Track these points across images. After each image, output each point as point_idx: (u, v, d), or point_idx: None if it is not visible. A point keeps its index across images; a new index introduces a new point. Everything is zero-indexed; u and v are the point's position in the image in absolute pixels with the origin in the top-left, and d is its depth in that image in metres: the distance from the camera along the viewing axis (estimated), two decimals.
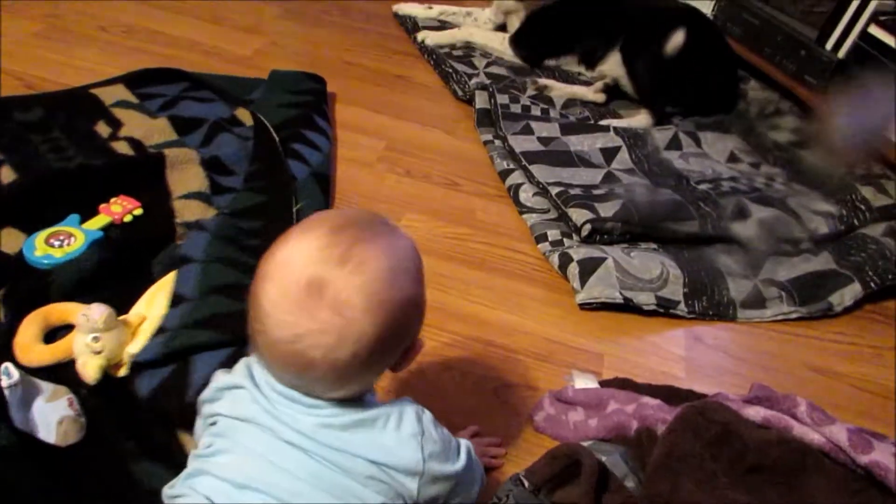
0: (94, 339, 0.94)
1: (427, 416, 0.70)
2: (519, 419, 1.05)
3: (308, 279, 0.61)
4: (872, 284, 1.39)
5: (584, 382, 1.06)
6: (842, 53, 1.85)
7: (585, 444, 0.92)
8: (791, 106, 2.02)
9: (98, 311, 0.95)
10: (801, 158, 1.78)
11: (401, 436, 0.67)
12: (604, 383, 1.08)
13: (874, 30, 1.76)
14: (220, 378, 0.73)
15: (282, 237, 0.65)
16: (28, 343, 0.98)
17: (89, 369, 0.94)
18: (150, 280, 1.12)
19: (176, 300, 1.04)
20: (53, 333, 1.01)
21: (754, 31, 2.10)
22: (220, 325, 0.99)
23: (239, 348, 0.96)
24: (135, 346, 0.98)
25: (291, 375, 0.64)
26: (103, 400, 0.94)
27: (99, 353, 0.94)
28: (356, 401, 0.67)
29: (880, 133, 1.70)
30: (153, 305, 1.06)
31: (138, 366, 0.95)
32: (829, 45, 1.88)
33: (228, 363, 0.91)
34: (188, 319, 1.00)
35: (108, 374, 0.96)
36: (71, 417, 0.88)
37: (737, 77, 2.02)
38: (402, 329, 0.66)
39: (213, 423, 0.70)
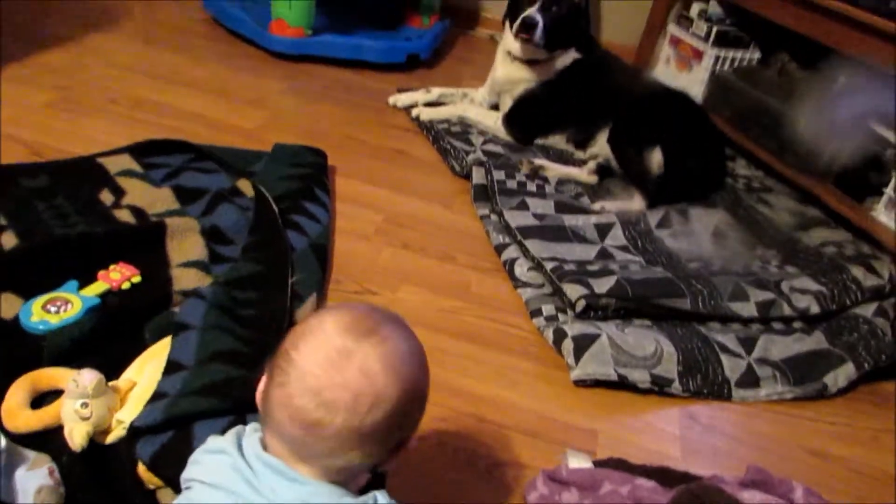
0: (82, 405, 0.93)
1: None
2: (512, 498, 1.03)
3: (341, 343, 0.67)
4: (866, 365, 1.39)
5: (578, 462, 1.05)
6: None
7: None
8: (776, 182, 2.07)
9: (88, 378, 0.94)
10: (796, 240, 1.81)
11: None
12: (598, 463, 1.07)
13: None
14: (209, 441, 0.75)
15: (316, 313, 0.74)
16: (15, 409, 0.97)
17: (76, 436, 0.92)
18: (142, 346, 1.12)
19: (172, 366, 1.04)
20: (41, 399, 1.01)
21: (743, 113, 2.17)
22: (220, 393, 0.99)
23: (238, 416, 0.96)
24: (124, 413, 0.97)
25: (296, 430, 0.66)
26: (86, 467, 0.93)
27: (87, 419, 0.94)
28: (340, 485, 0.69)
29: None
30: (143, 372, 1.05)
31: (137, 431, 0.94)
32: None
33: (228, 430, 0.91)
34: (189, 386, 1.00)
35: (94, 441, 0.95)
36: (50, 487, 0.87)
37: (724, 156, 2.08)
38: (407, 413, 0.70)
39: (188, 488, 0.72)
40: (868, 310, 1.53)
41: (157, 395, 0.99)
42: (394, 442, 0.71)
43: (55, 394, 1.01)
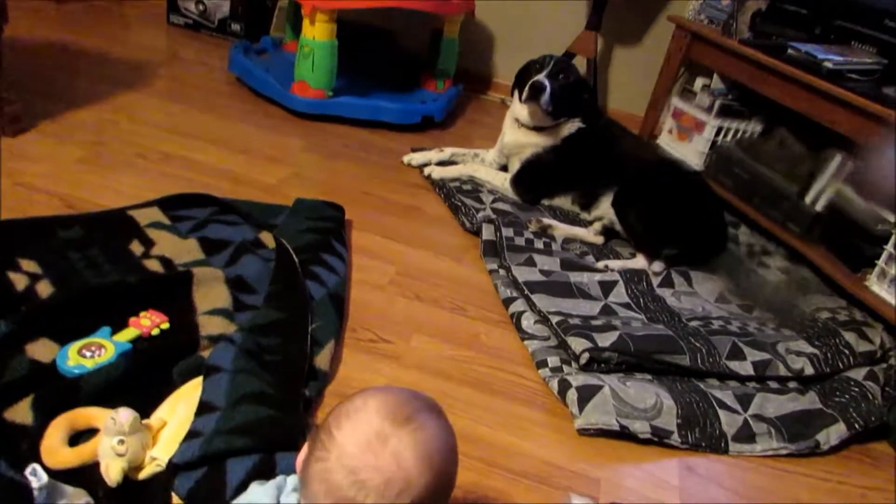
0: (119, 441, 0.99)
1: None
2: None
3: (380, 427, 0.72)
4: (856, 426, 1.45)
5: None
6: (819, 207, 2.00)
7: None
8: (777, 247, 2.15)
9: (125, 416, 1.01)
10: (793, 305, 1.88)
11: None
12: None
13: (847, 190, 1.92)
14: (251, 491, 0.81)
15: (361, 392, 0.78)
16: (54, 446, 1.03)
17: (112, 472, 0.98)
18: (171, 387, 1.19)
19: (205, 407, 1.11)
20: (77, 437, 1.07)
21: (743, 184, 2.26)
22: (252, 432, 1.06)
23: (268, 454, 1.03)
24: (157, 451, 1.03)
25: None
26: (121, 502, 0.98)
27: (122, 455, 0.99)
28: None
29: None
30: (174, 411, 1.12)
31: (176, 467, 1.00)
32: (808, 199, 2.04)
33: (260, 467, 0.98)
34: (223, 426, 1.06)
35: (128, 477, 1.01)
36: None
37: (724, 222, 2.17)
38: (435, 497, 0.74)
39: None
40: (860, 374, 1.59)
41: (191, 434, 1.05)
42: None
43: (91, 432, 1.07)
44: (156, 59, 2.84)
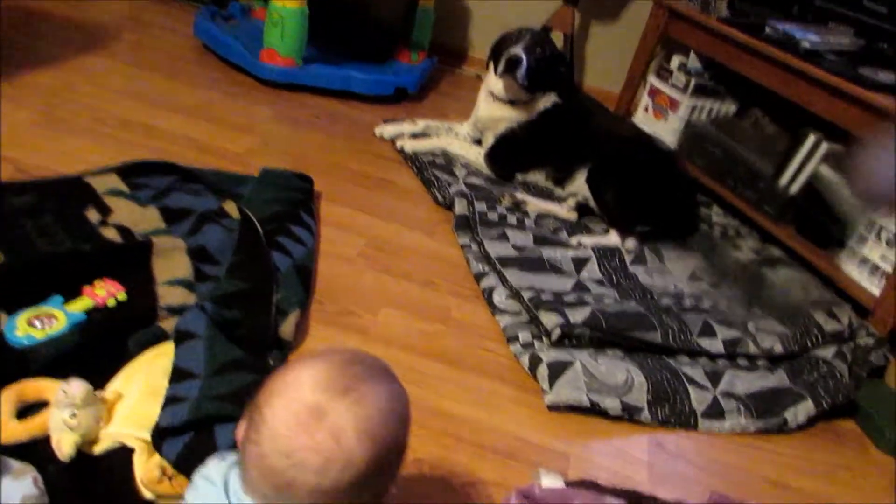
0: (71, 415, 0.95)
1: None
2: None
3: (314, 402, 0.66)
4: (824, 403, 1.45)
5: (550, 481, 1.08)
6: (795, 188, 2.00)
7: None
8: (750, 230, 2.15)
9: (77, 387, 0.96)
10: (762, 279, 1.88)
11: None
12: (569, 484, 1.10)
13: (825, 170, 1.91)
14: (209, 465, 0.76)
15: (293, 362, 0.71)
16: (1, 419, 0.98)
17: (65, 445, 0.94)
18: (126, 358, 1.14)
19: (181, 374, 1.08)
20: (26, 410, 1.02)
21: (717, 163, 2.25)
22: (236, 400, 1.03)
23: None
24: (116, 426, 0.99)
25: (269, 492, 0.66)
26: (74, 477, 0.94)
27: (75, 429, 0.95)
28: None
29: None
30: (131, 384, 1.07)
31: (163, 431, 0.97)
32: (783, 180, 2.03)
33: None
34: (209, 392, 1.04)
35: (81, 451, 0.96)
36: (34, 496, 0.88)
37: (696, 200, 2.16)
38: (381, 468, 0.69)
39: None
40: (828, 352, 1.60)
41: (172, 399, 1.02)
42: (370, 495, 0.70)
43: (41, 405, 1.02)
44: (118, 22, 2.72)
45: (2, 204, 1.46)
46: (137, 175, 1.68)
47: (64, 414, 0.95)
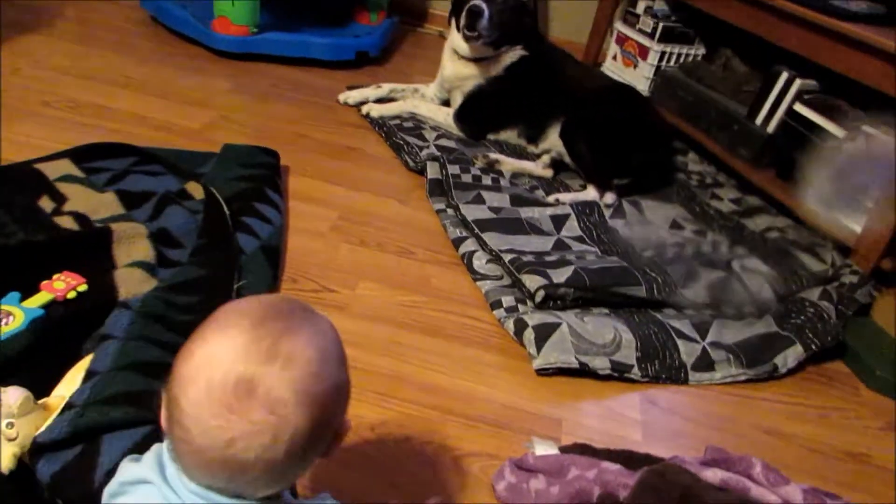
0: (8, 424, 0.87)
1: None
2: (481, 488, 1.03)
3: (236, 379, 0.58)
4: (813, 346, 1.44)
5: (544, 449, 1.05)
6: (770, 128, 1.97)
7: None
8: (727, 178, 2.13)
9: (14, 396, 0.88)
10: (743, 226, 1.86)
11: None
12: (563, 449, 1.08)
13: (799, 107, 1.88)
14: (127, 469, 0.67)
15: (198, 336, 0.61)
16: None
17: (3, 458, 0.86)
18: (76, 359, 1.06)
19: (88, 376, 0.99)
20: None
21: (690, 108, 2.22)
22: (134, 402, 0.93)
23: (155, 428, 0.90)
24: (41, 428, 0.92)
25: (220, 480, 0.60)
26: (15, 489, 0.88)
27: (13, 439, 0.87)
28: (277, 498, 0.65)
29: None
30: (73, 386, 1.00)
31: (41, 447, 0.87)
32: (758, 121, 2.00)
33: (143, 444, 0.85)
34: (98, 395, 0.94)
35: (22, 462, 0.89)
36: None
37: (672, 147, 2.12)
38: (331, 416, 0.64)
39: None
40: (814, 294, 1.58)
41: (67, 407, 0.93)
42: (329, 439, 0.66)
43: None
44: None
45: None
46: (92, 159, 1.60)
47: (1, 424, 0.87)
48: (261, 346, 0.59)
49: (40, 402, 0.93)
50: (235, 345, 0.59)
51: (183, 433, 0.59)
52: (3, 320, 1.09)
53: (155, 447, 0.66)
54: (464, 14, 1.96)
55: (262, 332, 0.60)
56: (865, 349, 1.49)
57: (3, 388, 0.90)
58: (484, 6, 1.93)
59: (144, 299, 1.18)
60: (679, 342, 1.39)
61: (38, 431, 0.90)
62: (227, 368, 0.58)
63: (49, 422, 0.92)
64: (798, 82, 1.91)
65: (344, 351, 0.67)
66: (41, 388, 0.95)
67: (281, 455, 0.59)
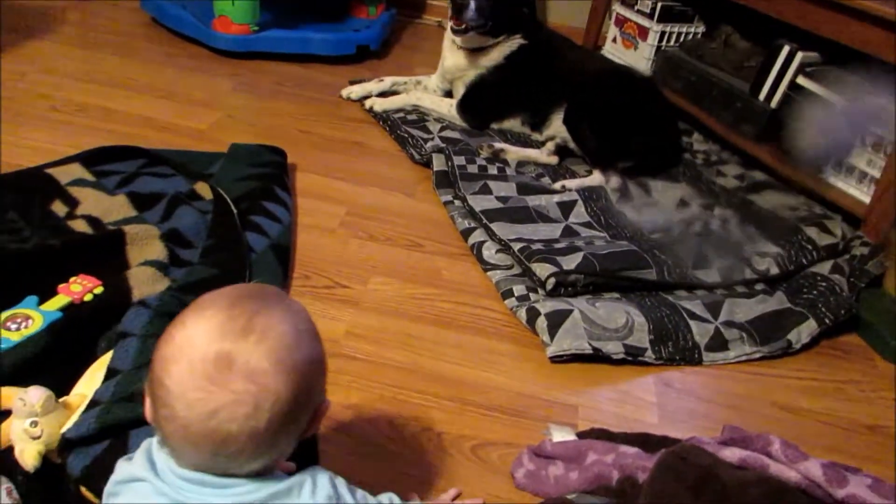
0: (32, 423, 0.90)
1: (340, 480, 0.72)
2: (499, 477, 1.04)
3: (216, 354, 0.61)
4: (826, 320, 1.44)
5: (561, 435, 1.06)
6: (774, 103, 1.96)
7: (570, 496, 0.92)
8: (731, 154, 2.12)
9: (36, 395, 0.90)
10: (750, 202, 1.85)
11: (316, 500, 0.67)
12: (581, 435, 1.08)
13: (802, 80, 1.87)
14: (121, 469, 0.70)
15: (177, 320, 0.65)
16: None
17: (28, 456, 0.89)
18: (93, 358, 1.09)
19: (110, 374, 1.01)
20: None
21: (692, 86, 2.21)
22: None
23: None
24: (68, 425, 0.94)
25: (206, 455, 0.63)
26: (43, 486, 0.90)
27: (37, 438, 0.90)
28: (267, 474, 0.67)
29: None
30: (93, 384, 1.02)
31: (69, 443, 0.90)
32: (761, 97, 1.99)
33: None
34: (123, 392, 0.96)
35: (47, 460, 0.92)
36: None
37: (677, 127, 2.12)
38: (310, 387, 0.67)
39: None
40: (825, 268, 1.58)
41: (91, 404, 0.95)
42: (309, 414, 0.68)
43: (2, 414, 0.96)
44: (60, 3, 2.59)
45: None
46: (102, 162, 1.62)
47: (25, 423, 0.89)
48: (237, 324, 0.63)
49: (61, 400, 0.95)
50: (212, 324, 0.63)
51: (168, 411, 0.62)
52: (23, 324, 1.11)
53: (144, 444, 0.69)
54: (451, 5, 1.97)
55: (236, 312, 0.64)
56: (880, 320, 1.48)
57: (24, 389, 0.92)
58: None
59: (161, 297, 1.19)
60: (691, 323, 1.39)
61: (66, 428, 0.92)
62: (207, 344, 0.62)
63: (74, 418, 0.94)
64: (800, 55, 1.89)
65: (316, 330, 0.70)
66: (60, 387, 0.97)
67: (263, 424, 0.62)
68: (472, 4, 1.94)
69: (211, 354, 0.61)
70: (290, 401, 0.63)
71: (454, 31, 2.02)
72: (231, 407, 0.61)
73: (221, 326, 0.63)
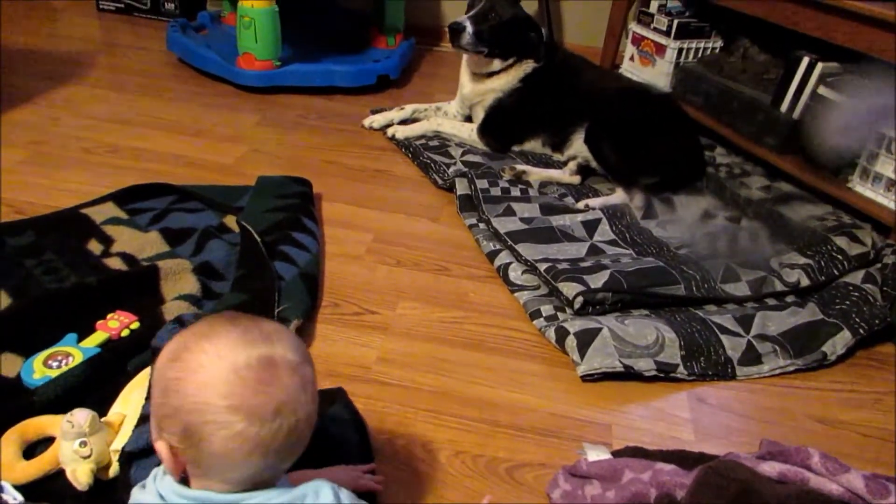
0: (81, 444, 0.94)
1: (344, 492, 0.74)
2: (536, 498, 1.04)
3: (258, 358, 0.65)
4: (861, 330, 1.42)
5: (596, 454, 1.06)
6: (796, 114, 1.95)
7: None
8: (755, 166, 2.11)
9: (83, 416, 0.94)
10: (778, 213, 1.84)
11: None
12: (616, 453, 1.08)
13: (823, 90, 1.87)
14: (135, 497, 0.73)
15: (187, 356, 0.66)
16: (9, 461, 0.96)
17: (81, 475, 0.93)
18: (126, 380, 1.11)
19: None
20: (31, 450, 1.00)
21: (712, 100, 2.21)
22: None
23: None
24: (118, 442, 0.97)
25: (259, 461, 0.66)
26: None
27: (87, 457, 0.94)
28: (271, 486, 0.70)
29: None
30: (129, 401, 1.05)
31: (130, 456, 0.94)
32: (783, 108, 1.99)
33: None
34: None
35: (98, 478, 0.95)
36: None
37: (699, 143, 2.11)
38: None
39: None
40: (857, 277, 1.56)
41: (143, 419, 0.98)
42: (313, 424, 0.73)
43: (46, 442, 1.00)
44: (90, 48, 2.69)
45: (2, 246, 1.43)
46: (134, 200, 1.67)
47: (74, 444, 0.93)
48: (253, 334, 0.67)
49: (102, 420, 0.99)
50: (232, 339, 0.66)
51: (228, 431, 0.63)
52: (63, 361, 1.14)
53: (153, 473, 0.73)
54: (448, 32, 2.03)
55: (243, 326, 0.68)
56: None
57: (70, 412, 0.95)
58: (466, 24, 2.00)
59: (197, 315, 1.22)
60: (723, 337, 1.38)
61: (121, 443, 0.96)
62: (244, 353, 0.65)
63: (128, 434, 0.98)
64: (820, 66, 1.89)
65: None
66: (98, 410, 1.00)
67: (313, 407, 0.70)
68: (470, 30, 1.98)
69: (253, 360, 0.65)
70: (315, 384, 0.71)
71: (456, 47, 2.06)
72: (289, 399, 0.66)
73: (243, 337, 0.67)
